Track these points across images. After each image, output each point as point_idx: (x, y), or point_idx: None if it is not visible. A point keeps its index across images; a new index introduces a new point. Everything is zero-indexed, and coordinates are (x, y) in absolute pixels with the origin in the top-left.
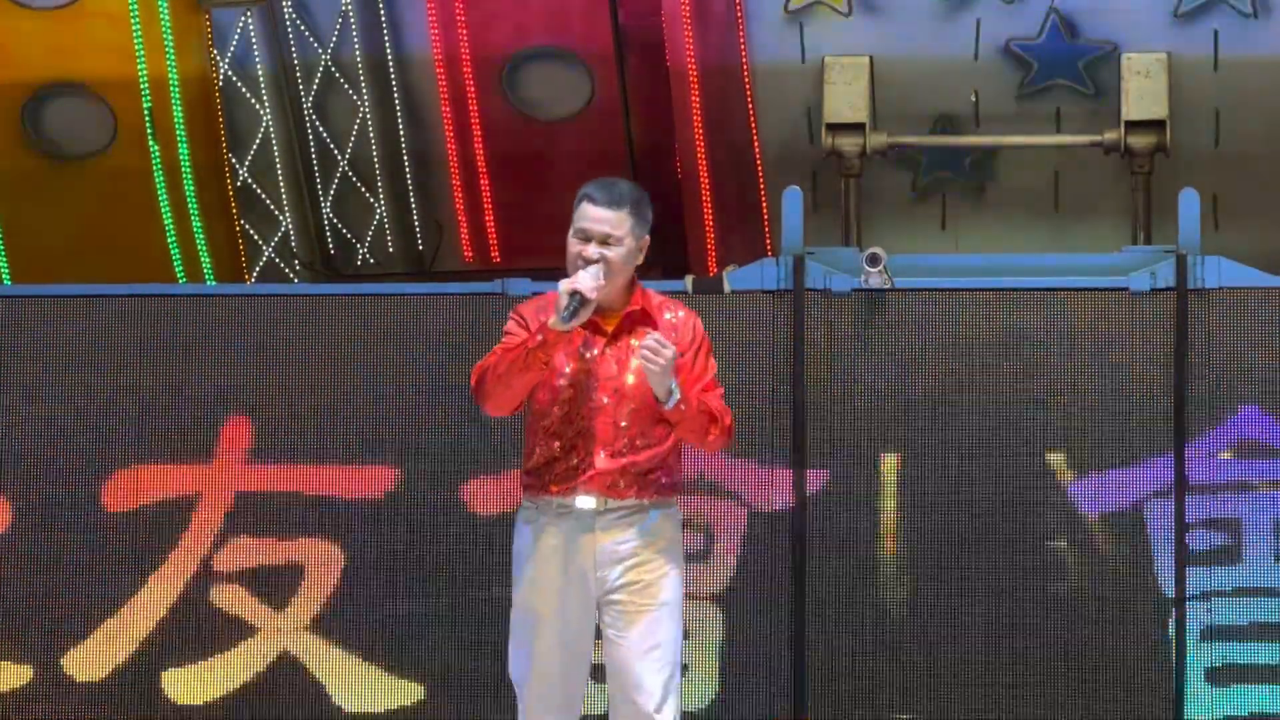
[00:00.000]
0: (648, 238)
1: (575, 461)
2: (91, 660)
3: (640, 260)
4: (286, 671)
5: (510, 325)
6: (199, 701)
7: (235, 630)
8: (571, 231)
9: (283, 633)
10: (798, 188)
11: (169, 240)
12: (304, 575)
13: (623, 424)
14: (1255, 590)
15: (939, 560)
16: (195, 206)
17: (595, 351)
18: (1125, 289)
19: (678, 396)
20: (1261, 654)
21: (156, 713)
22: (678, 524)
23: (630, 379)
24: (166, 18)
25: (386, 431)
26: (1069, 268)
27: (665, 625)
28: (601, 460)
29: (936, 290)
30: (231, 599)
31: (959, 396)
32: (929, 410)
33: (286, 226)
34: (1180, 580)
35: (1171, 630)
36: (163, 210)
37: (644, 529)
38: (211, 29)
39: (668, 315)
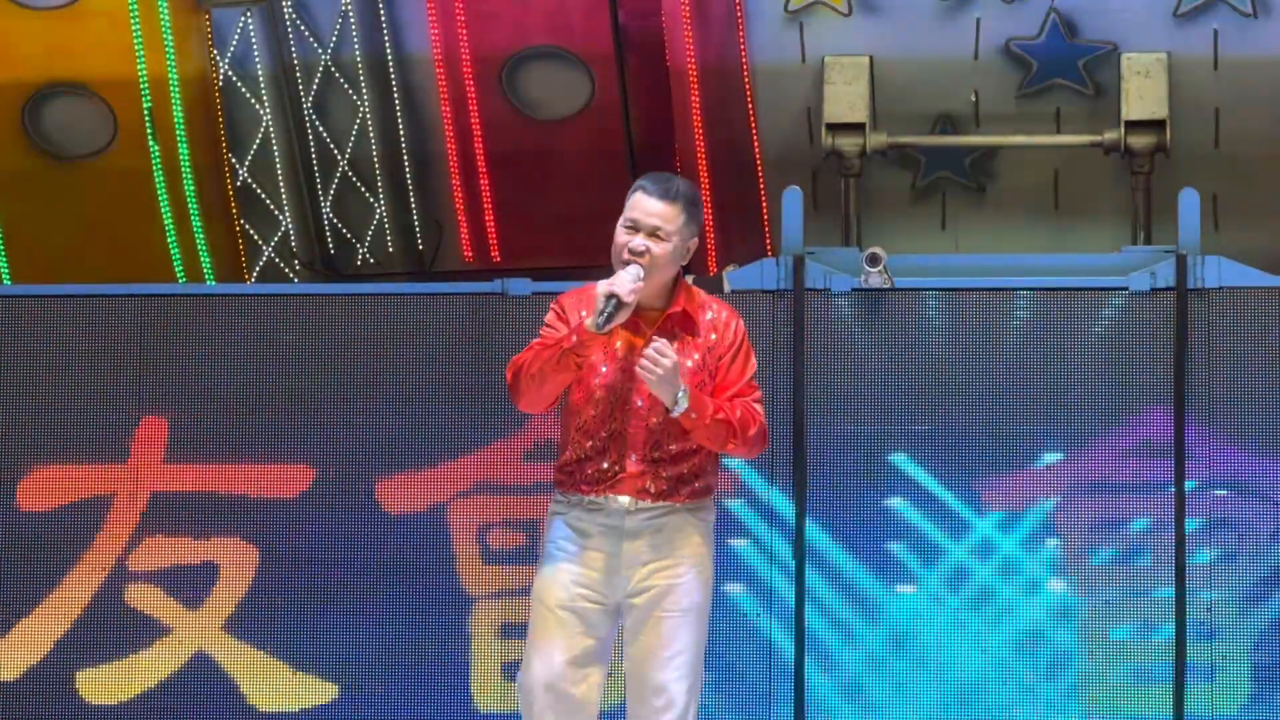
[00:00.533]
0: (696, 240)
1: (607, 464)
2: (6, 660)
3: (685, 261)
4: (201, 671)
5: (549, 317)
6: (114, 701)
7: (150, 630)
8: (620, 220)
9: (197, 632)
10: (798, 188)
11: (169, 240)
12: (219, 575)
13: (657, 427)
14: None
15: (939, 559)
16: (195, 206)
17: (634, 353)
18: (1125, 289)
19: (684, 405)
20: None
21: (71, 713)
22: (710, 528)
23: None
24: (166, 18)
25: (301, 431)
26: (1069, 268)
27: (688, 631)
28: (633, 463)
29: (936, 290)
30: (146, 599)
31: (959, 396)
32: (929, 410)
33: (286, 226)
34: (1180, 580)
35: (1172, 631)
36: (163, 210)
37: (674, 532)
38: (211, 29)
39: (708, 315)
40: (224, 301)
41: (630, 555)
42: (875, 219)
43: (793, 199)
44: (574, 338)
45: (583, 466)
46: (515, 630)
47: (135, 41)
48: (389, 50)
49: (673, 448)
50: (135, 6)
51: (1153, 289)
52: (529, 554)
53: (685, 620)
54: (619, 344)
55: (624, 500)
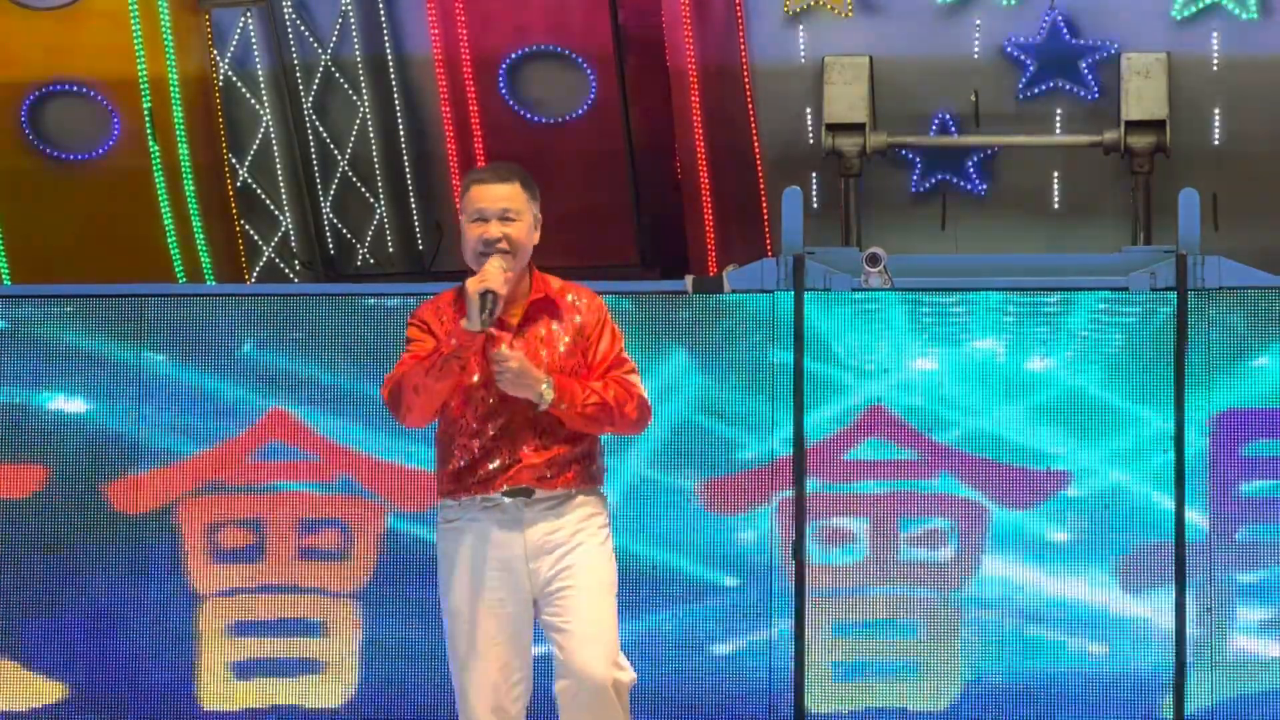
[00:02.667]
0: (540, 215)
1: (500, 461)
2: None
3: (536, 238)
4: None
5: (412, 332)
6: None
7: None
8: (466, 220)
9: None
10: (798, 188)
11: (169, 240)
12: None
13: (542, 416)
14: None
15: (940, 558)
16: (195, 206)
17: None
18: (1125, 289)
19: (550, 398)
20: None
21: None
22: (605, 506)
23: (542, 369)
24: (166, 18)
25: (32, 431)
26: (1069, 268)
27: (605, 605)
28: (527, 454)
29: (936, 290)
30: None
31: (959, 397)
32: (929, 410)
33: (286, 226)
34: (1180, 579)
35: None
36: (163, 210)
37: (573, 517)
38: (211, 29)
39: (569, 297)
40: (224, 301)
41: (535, 546)
42: (875, 219)
43: (793, 199)
44: (453, 341)
45: (474, 469)
46: (243, 628)
47: (135, 41)
48: (389, 50)
49: (561, 432)
50: (135, 6)
51: (1153, 289)
52: (256, 552)
53: (602, 595)
54: (485, 342)
55: (520, 493)
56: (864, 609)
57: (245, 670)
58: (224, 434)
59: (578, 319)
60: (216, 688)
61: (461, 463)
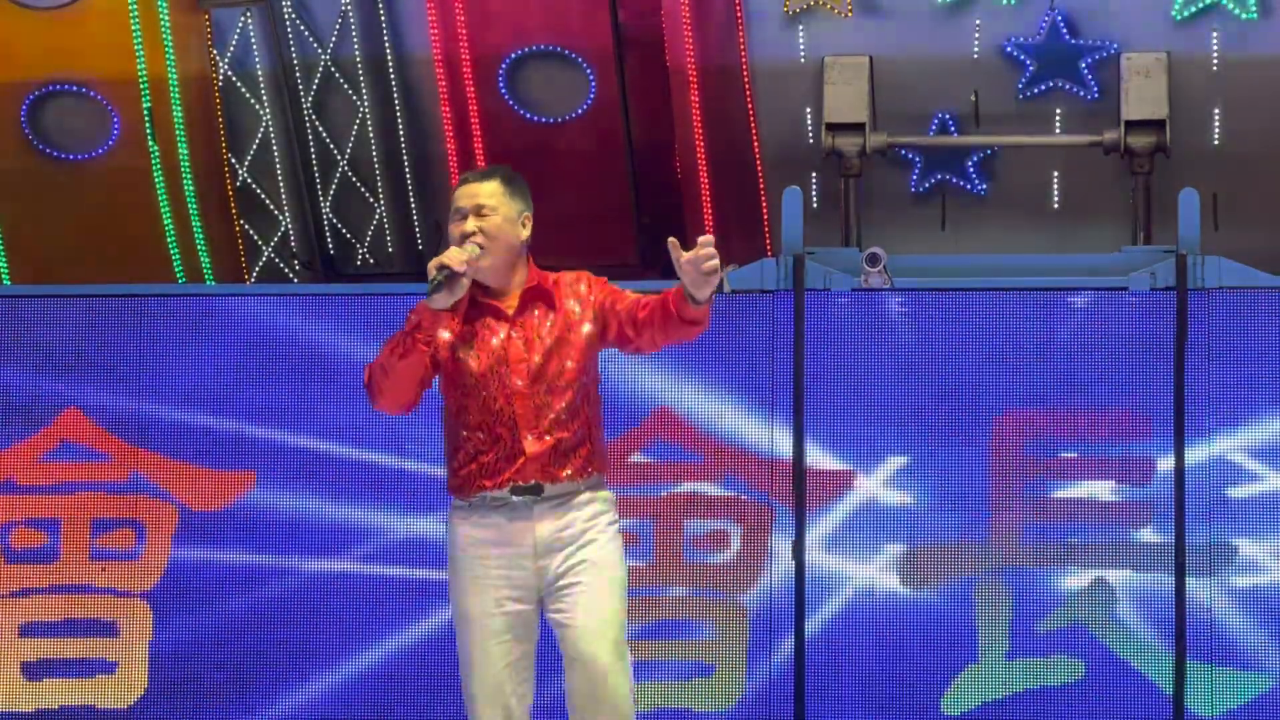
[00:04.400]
0: (528, 215)
1: (504, 452)
2: None
3: (525, 234)
4: None
5: (409, 317)
6: None
7: None
8: (450, 220)
9: None
10: (798, 188)
11: (169, 240)
12: None
13: (543, 403)
14: None
15: (940, 560)
16: (195, 206)
17: (501, 336)
18: (1125, 289)
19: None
20: None
21: None
22: (611, 502)
23: (538, 358)
24: (166, 18)
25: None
26: (1069, 268)
27: (611, 598)
28: (531, 444)
29: (936, 290)
30: None
31: (959, 397)
32: (929, 410)
33: (286, 226)
34: (1180, 583)
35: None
36: (163, 210)
37: (581, 514)
38: (211, 29)
39: (567, 282)
40: (224, 301)
41: (544, 543)
42: (875, 219)
43: (793, 199)
44: (414, 319)
45: (479, 462)
46: (35, 629)
47: (135, 41)
48: (389, 50)
49: (563, 417)
50: (135, 6)
51: (1153, 289)
52: (49, 552)
53: (609, 588)
54: (485, 330)
55: (529, 489)
56: (652, 610)
57: (37, 671)
58: (17, 434)
59: (582, 288)
60: (8, 689)
61: (468, 457)
